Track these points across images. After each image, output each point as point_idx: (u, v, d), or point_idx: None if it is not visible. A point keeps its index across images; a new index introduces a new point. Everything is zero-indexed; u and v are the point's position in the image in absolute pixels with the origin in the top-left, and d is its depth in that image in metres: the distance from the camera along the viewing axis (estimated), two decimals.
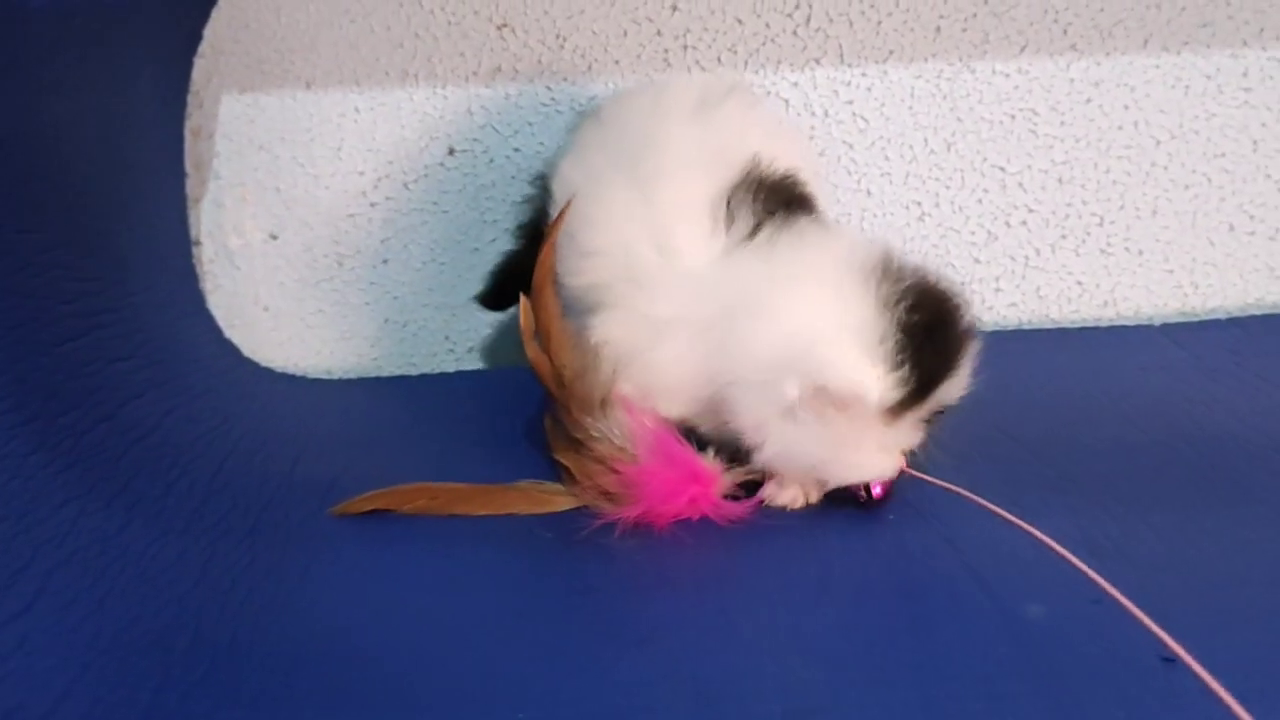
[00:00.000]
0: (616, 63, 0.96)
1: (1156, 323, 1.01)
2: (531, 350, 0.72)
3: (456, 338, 1.01)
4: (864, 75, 0.97)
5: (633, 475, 0.67)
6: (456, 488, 0.71)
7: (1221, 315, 1.02)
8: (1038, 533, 0.59)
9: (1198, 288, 1.03)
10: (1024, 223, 1.01)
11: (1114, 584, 0.54)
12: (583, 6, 0.94)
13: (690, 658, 0.54)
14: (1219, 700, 0.44)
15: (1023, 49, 0.97)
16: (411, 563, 0.65)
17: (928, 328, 0.64)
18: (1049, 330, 1.01)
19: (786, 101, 0.97)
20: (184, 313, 0.90)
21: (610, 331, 0.70)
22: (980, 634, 0.55)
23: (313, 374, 0.99)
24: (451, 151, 0.97)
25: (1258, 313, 1.02)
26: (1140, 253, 1.02)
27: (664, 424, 0.69)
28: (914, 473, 0.67)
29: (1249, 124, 1.00)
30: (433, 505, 0.70)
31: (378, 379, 0.99)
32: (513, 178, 0.97)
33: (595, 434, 0.69)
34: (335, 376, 0.99)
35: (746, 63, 0.96)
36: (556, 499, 0.70)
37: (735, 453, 0.69)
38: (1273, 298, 1.04)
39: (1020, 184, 1.00)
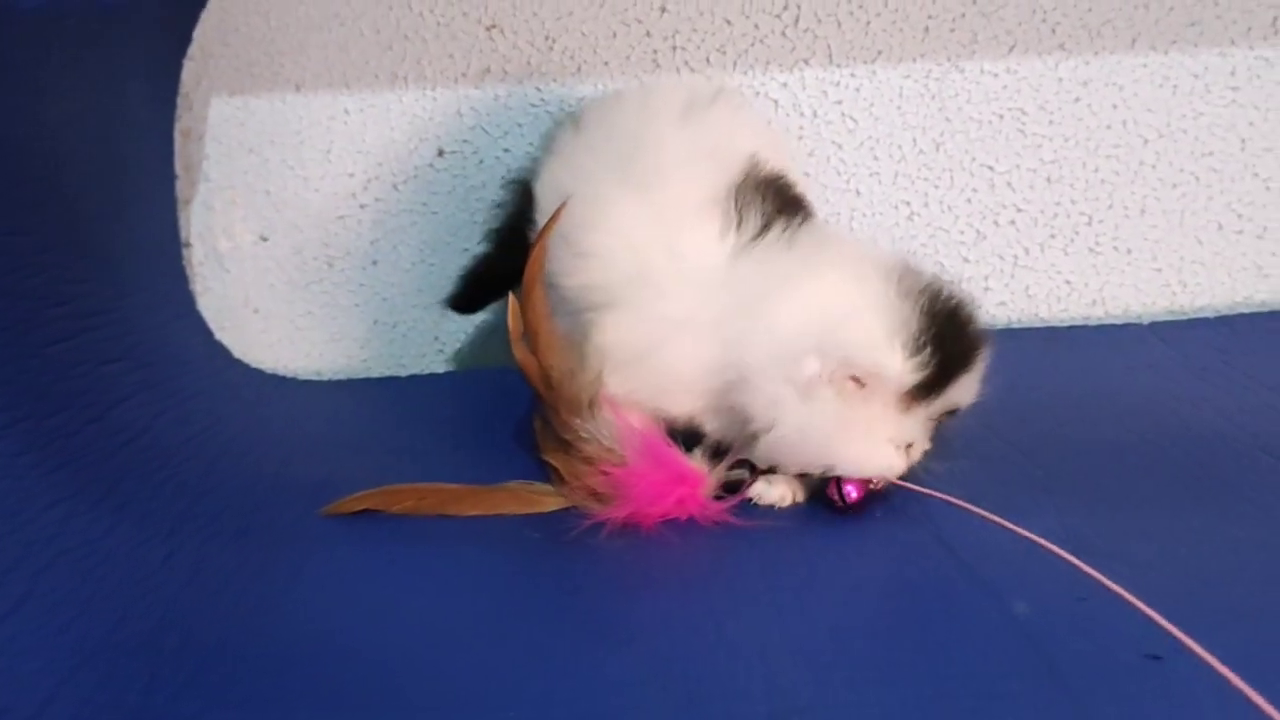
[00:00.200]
0: (605, 64, 0.96)
1: (1145, 321, 1.02)
2: (520, 351, 0.72)
3: (446, 339, 1.01)
4: (853, 75, 0.97)
5: (620, 476, 0.67)
6: (445, 488, 0.71)
7: (1210, 314, 1.02)
8: (1025, 531, 0.60)
9: (1186, 286, 1.04)
10: (1013, 222, 1.01)
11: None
12: (571, 8, 0.94)
13: (677, 658, 0.54)
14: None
15: (1011, 49, 0.97)
16: (401, 563, 0.65)
17: (949, 318, 0.65)
18: (1038, 329, 1.02)
19: (775, 102, 0.97)
20: (174, 315, 0.90)
21: (619, 332, 0.70)
22: (966, 632, 0.55)
23: (303, 375, 0.99)
24: (441, 153, 0.97)
25: (1246, 311, 1.03)
26: (1129, 251, 1.02)
27: (652, 425, 0.69)
28: (899, 482, 0.67)
29: (1236, 123, 1.00)
30: (422, 506, 0.71)
31: (367, 380, 0.99)
32: (502, 179, 0.96)
33: (584, 435, 0.69)
34: (325, 378, 0.99)
35: (735, 64, 0.96)
36: (545, 499, 0.71)
37: (730, 448, 0.69)
38: (1261, 296, 1.04)
39: (1009, 183, 1.00)
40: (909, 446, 0.67)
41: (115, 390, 0.75)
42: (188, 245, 0.97)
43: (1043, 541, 0.58)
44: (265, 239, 0.99)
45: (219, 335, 0.94)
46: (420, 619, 0.59)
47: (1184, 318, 1.02)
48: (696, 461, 0.69)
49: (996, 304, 1.03)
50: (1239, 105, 1.00)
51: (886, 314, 0.64)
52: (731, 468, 0.69)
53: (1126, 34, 0.97)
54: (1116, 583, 0.54)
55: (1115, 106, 0.99)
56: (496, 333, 0.98)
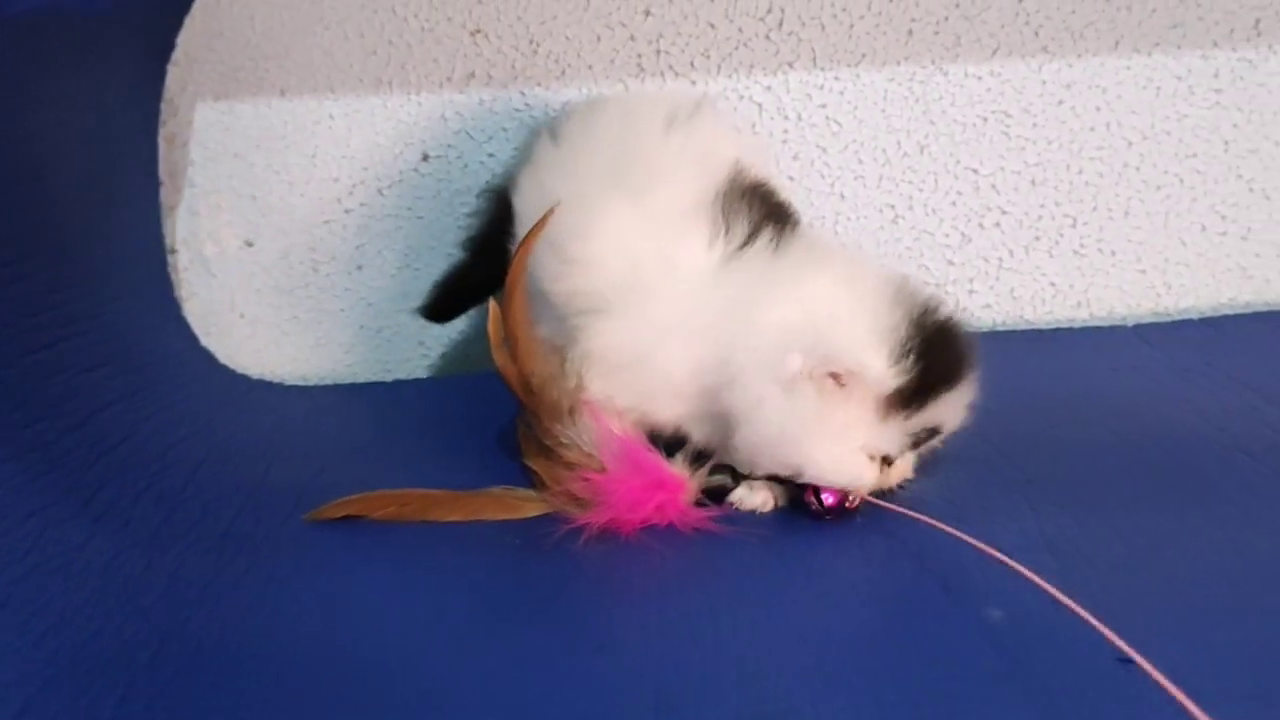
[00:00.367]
0: (590, 68, 0.96)
1: (1130, 323, 1.02)
2: (500, 358, 0.72)
3: (431, 343, 1.01)
4: (837, 79, 0.97)
5: (601, 482, 0.67)
6: (428, 494, 0.72)
7: (1194, 315, 1.03)
8: (988, 548, 0.60)
9: (1170, 288, 1.04)
10: (997, 224, 1.01)
11: (1077, 586, 0.54)
12: (555, 12, 0.94)
13: (653, 662, 0.54)
14: (1176, 701, 0.45)
15: (995, 51, 0.97)
16: (382, 569, 0.66)
17: (939, 332, 0.65)
18: (1023, 331, 1.02)
19: (760, 106, 0.97)
20: (160, 320, 0.90)
21: (609, 337, 0.70)
22: (941, 638, 0.55)
23: (288, 380, 0.99)
24: (426, 157, 0.97)
25: (1230, 312, 1.03)
26: (1113, 253, 1.03)
27: (632, 431, 0.69)
28: (873, 500, 0.67)
29: (1220, 125, 1.00)
30: (404, 511, 0.71)
31: (353, 385, 0.99)
32: (487, 183, 0.97)
33: (564, 441, 0.69)
34: (311, 383, 1.00)
35: (719, 67, 0.96)
36: (527, 505, 0.71)
37: (713, 454, 0.70)
38: (1245, 297, 1.04)
39: (993, 186, 1.00)
40: (885, 462, 0.67)
41: (97, 397, 0.75)
42: (173, 251, 0.97)
43: (1006, 559, 0.58)
44: (251, 244, 0.99)
45: (204, 341, 0.94)
46: (400, 624, 0.59)
47: (1169, 319, 1.02)
48: (677, 467, 0.69)
49: (982, 306, 1.03)
50: (1222, 107, 1.00)
51: (874, 317, 0.64)
52: (712, 473, 0.70)
53: (1109, 36, 0.97)
54: (1091, 586, 0.54)
55: (1099, 109, 0.99)
56: (481, 338, 0.97)
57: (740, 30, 0.96)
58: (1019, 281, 1.03)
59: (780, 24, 0.96)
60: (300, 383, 0.99)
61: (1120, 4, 0.96)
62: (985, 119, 0.99)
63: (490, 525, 0.69)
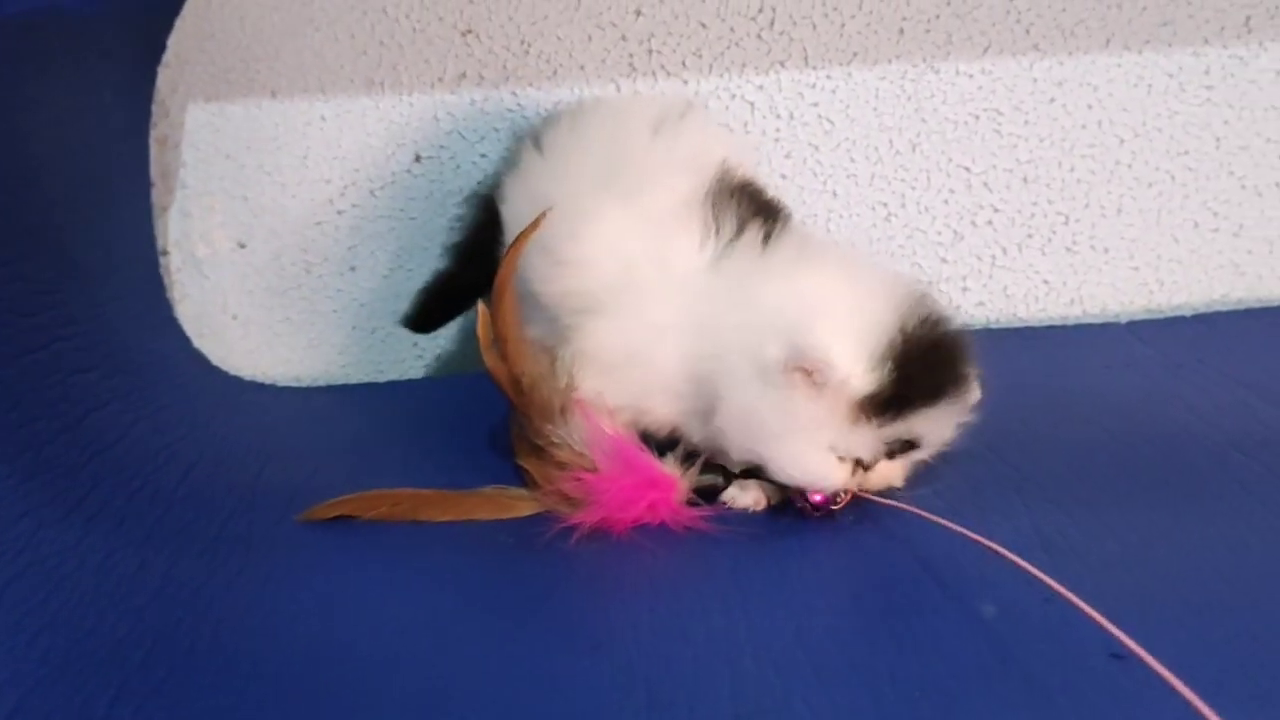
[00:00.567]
0: (581, 68, 0.96)
1: (1122, 320, 1.02)
2: (490, 359, 0.72)
3: (424, 344, 1.01)
4: (828, 77, 0.97)
5: (592, 481, 0.67)
6: (420, 493, 0.71)
7: (1187, 312, 1.03)
8: (987, 541, 0.60)
9: (1163, 285, 1.04)
10: (990, 222, 1.01)
11: (1070, 582, 0.54)
12: (547, 12, 0.94)
13: (644, 661, 0.54)
14: (1170, 695, 0.45)
15: (986, 49, 0.97)
16: (374, 569, 0.66)
17: (931, 346, 0.64)
18: (1016, 329, 1.02)
19: (752, 105, 0.97)
20: (152, 322, 0.90)
21: (603, 337, 0.70)
22: (934, 634, 0.55)
23: (281, 382, 0.99)
24: (418, 158, 0.97)
25: (1223, 309, 1.03)
26: (1106, 251, 1.03)
27: (623, 430, 0.69)
28: (866, 494, 0.67)
29: (1211, 121, 1.00)
30: (396, 511, 0.70)
31: (346, 386, 0.99)
32: (479, 184, 0.97)
33: (555, 440, 0.69)
34: (304, 384, 0.99)
35: (711, 67, 0.96)
36: (519, 504, 0.71)
37: (705, 453, 0.70)
38: (1237, 294, 1.04)
39: (985, 184, 1.01)
40: (861, 466, 0.66)
41: (89, 399, 0.75)
42: (165, 253, 0.97)
43: (1004, 551, 0.58)
44: (243, 245, 0.99)
45: (197, 343, 0.94)
46: (393, 624, 0.59)
47: (1161, 316, 1.02)
48: (669, 466, 0.69)
49: (975, 304, 1.03)
50: (1213, 104, 1.00)
51: (861, 318, 0.64)
52: (704, 472, 0.70)
53: (1100, 34, 0.97)
54: (1083, 583, 0.54)
55: (1090, 106, 0.99)
56: (473, 339, 0.98)
57: (732, 29, 0.96)
58: (1012, 279, 1.03)
59: (772, 23, 0.96)
60: (293, 384, 0.99)
61: (1111, 2, 0.97)
62: (977, 117, 0.99)
63: (483, 525, 0.69)
